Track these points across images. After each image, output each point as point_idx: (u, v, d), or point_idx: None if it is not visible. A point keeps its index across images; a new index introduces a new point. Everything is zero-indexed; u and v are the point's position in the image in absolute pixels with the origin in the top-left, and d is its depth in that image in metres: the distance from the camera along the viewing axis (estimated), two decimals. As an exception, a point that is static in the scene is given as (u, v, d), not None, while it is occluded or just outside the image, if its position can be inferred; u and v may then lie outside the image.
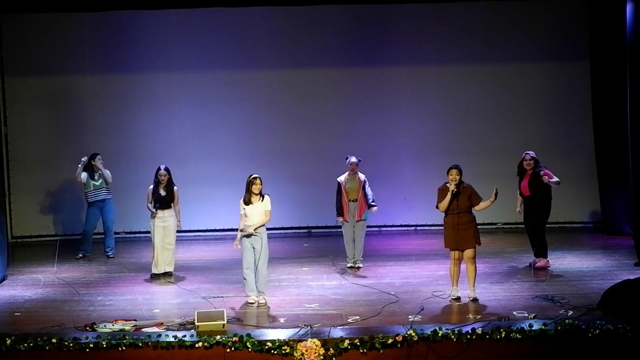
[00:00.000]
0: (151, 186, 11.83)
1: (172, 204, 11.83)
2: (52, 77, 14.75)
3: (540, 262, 11.76)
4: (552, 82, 14.82)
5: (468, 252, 10.23)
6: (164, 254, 11.79)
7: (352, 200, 11.94)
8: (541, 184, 11.55)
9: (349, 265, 12.07)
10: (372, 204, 11.92)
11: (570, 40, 14.67)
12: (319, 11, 14.17)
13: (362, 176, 12.00)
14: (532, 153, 11.74)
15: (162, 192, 11.76)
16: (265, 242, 10.31)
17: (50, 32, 14.63)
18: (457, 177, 10.14)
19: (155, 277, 11.72)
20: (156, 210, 11.72)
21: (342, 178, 12.04)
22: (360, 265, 12.03)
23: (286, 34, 14.80)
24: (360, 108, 14.87)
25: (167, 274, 11.79)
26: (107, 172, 13.09)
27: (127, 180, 14.08)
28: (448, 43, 14.75)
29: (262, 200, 10.31)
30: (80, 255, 13.18)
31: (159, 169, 11.87)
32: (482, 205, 10.25)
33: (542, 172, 11.54)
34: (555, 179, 11.54)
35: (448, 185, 10.24)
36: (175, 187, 11.89)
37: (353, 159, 11.94)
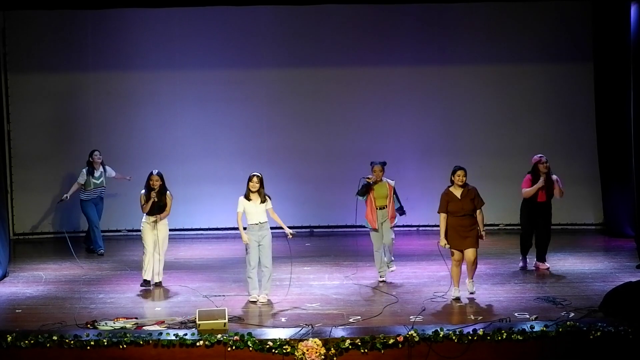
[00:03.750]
0: (143, 190, 11.12)
1: (164, 211, 11.15)
2: (55, 74, 14.74)
3: (543, 265, 11.79)
4: (555, 83, 14.80)
5: (469, 253, 10.28)
6: (155, 262, 11.11)
7: (380, 208, 11.10)
8: (551, 191, 11.58)
9: (380, 279, 11.18)
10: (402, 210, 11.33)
11: (574, 41, 14.65)
12: (323, 10, 14.14)
13: (391, 182, 11.19)
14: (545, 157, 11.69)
15: (155, 199, 11.04)
16: (270, 238, 10.37)
17: (53, 29, 14.62)
18: (464, 179, 10.25)
19: (147, 283, 11.06)
20: (153, 194, 10.98)
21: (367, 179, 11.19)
22: (394, 267, 11.39)
23: (290, 33, 14.79)
24: (363, 108, 14.86)
25: (156, 285, 11.13)
26: (113, 172, 13.32)
27: (129, 178, 14.09)
28: (451, 43, 14.74)
29: (264, 201, 10.34)
30: (102, 251, 13.20)
31: (151, 173, 11.15)
32: (479, 219, 10.34)
33: (557, 180, 11.57)
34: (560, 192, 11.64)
35: (451, 189, 10.31)
36: (168, 192, 11.19)
37: (375, 165, 11.11)
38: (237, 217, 10.40)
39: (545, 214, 11.70)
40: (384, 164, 11.10)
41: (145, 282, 11.06)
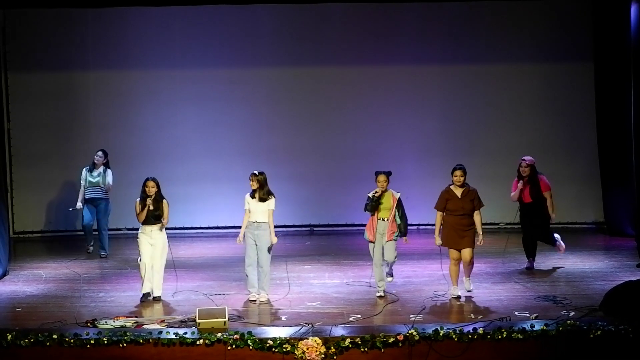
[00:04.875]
0: (137, 199, 10.50)
1: (161, 219, 10.49)
2: (55, 73, 14.75)
3: (561, 247, 11.91)
4: (555, 83, 14.81)
5: (465, 253, 10.32)
6: (153, 275, 10.46)
7: (382, 219, 10.39)
8: (540, 192, 11.56)
9: (378, 294, 10.48)
10: (403, 233, 10.44)
11: (574, 41, 14.66)
12: (323, 9, 14.16)
13: (396, 194, 10.43)
14: (528, 159, 11.64)
15: (151, 207, 10.41)
16: (267, 239, 10.32)
17: (53, 28, 14.63)
18: (462, 179, 10.27)
19: (146, 296, 10.43)
20: (149, 201, 10.36)
21: (371, 193, 10.42)
22: (390, 279, 10.69)
23: (290, 32, 14.80)
24: (363, 107, 14.87)
25: (155, 299, 10.46)
26: (107, 178, 13.07)
27: (129, 177, 14.04)
28: (451, 43, 14.75)
29: (267, 200, 10.33)
30: (90, 250, 13.16)
31: (146, 179, 10.51)
32: (477, 221, 10.32)
33: (539, 177, 11.59)
34: (546, 193, 11.61)
35: (452, 187, 10.33)
36: (165, 200, 10.52)
37: (380, 175, 10.36)
38: (243, 215, 10.41)
39: (534, 214, 11.69)
40: (389, 173, 10.39)
41: (145, 296, 10.43)
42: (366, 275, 11.38)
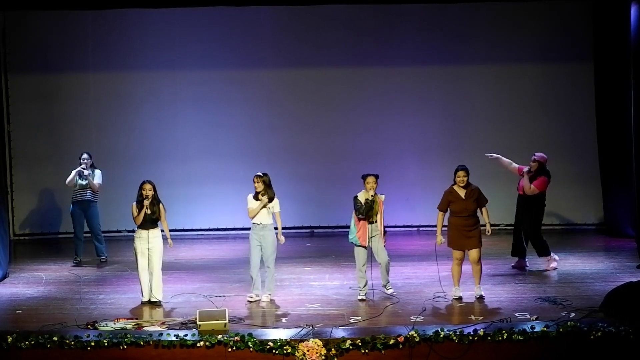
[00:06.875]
0: (134, 203, 10.42)
1: (158, 223, 10.43)
2: (55, 74, 14.74)
3: (551, 263, 11.76)
4: (555, 83, 14.80)
5: (473, 253, 10.30)
6: (151, 280, 10.35)
7: (371, 222, 10.27)
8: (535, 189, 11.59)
9: (360, 297, 10.39)
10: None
11: (574, 41, 14.66)
12: (324, 10, 14.14)
13: (381, 196, 10.33)
14: (538, 155, 11.64)
15: (148, 210, 10.31)
16: (272, 240, 10.35)
17: (53, 30, 14.62)
18: (465, 180, 10.24)
19: (145, 304, 10.37)
20: (146, 202, 10.28)
21: (359, 195, 10.31)
22: (392, 289, 10.49)
23: (290, 33, 14.79)
24: (364, 107, 14.86)
25: (155, 303, 10.32)
26: (96, 178, 12.64)
27: (129, 178, 13.97)
28: (452, 43, 14.74)
29: (270, 202, 10.32)
30: (78, 260, 12.77)
31: (143, 182, 10.42)
32: (485, 217, 10.37)
33: (539, 177, 11.56)
34: (532, 188, 11.51)
35: (455, 187, 10.31)
36: (161, 204, 10.42)
37: (369, 177, 10.21)
38: (249, 212, 10.34)
39: (525, 210, 11.71)
40: (377, 176, 10.23)
41: (145, 303, 10.38)
42: (370, 277, 11.38)
